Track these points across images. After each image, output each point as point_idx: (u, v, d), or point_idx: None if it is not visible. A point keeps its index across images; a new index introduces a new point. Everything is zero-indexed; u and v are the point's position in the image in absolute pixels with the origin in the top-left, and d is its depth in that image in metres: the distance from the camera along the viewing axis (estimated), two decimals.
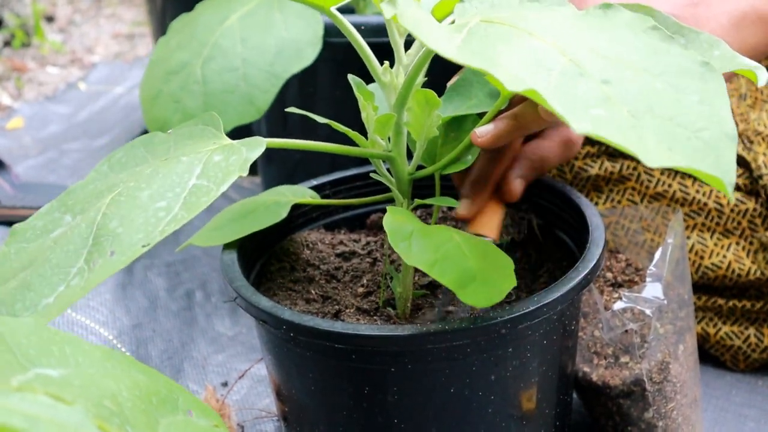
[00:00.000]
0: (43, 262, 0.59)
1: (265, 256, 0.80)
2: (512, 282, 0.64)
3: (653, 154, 0.48)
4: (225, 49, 0.89)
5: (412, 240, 0.63)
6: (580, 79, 0.51)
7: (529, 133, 0.72)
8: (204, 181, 0.60)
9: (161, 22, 1.45)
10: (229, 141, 0.64)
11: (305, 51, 0.91)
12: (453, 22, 0.58)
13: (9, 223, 1.21)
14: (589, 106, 0.50)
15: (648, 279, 0.80)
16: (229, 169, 0.60)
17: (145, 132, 1.51)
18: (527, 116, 0.69)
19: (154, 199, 0.59)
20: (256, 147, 0.62)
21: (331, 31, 0.94)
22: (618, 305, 0.78)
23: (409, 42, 0.69)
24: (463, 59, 0.51)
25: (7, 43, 2.01)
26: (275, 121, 1.09)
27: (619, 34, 0.56)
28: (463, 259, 0.63)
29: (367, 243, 0.82)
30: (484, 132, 0.69)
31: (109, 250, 0.57)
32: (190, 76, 0.89)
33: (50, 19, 2.17)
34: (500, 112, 0.71)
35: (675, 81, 0.53)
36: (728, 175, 0.48)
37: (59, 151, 1.51)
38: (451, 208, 0.84)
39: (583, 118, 0.49)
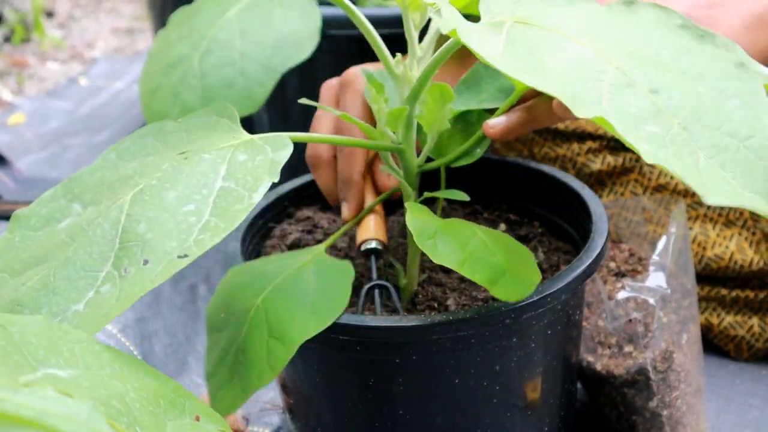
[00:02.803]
0: (65, 262, 0.56)
1: (269, 248, 0.80)
2: (538, 275, 0.64)
3: (710, 185, 0.48)
4: (223, 43, 0.89)
5: (437, 238, 0.63)
6: (629, 90, 0.52)
7: (540, 127, 0.72)
8: (232, 184, 0.57)
9: (161, 16, 1.45)
10: (249, 136, 0.61)
11: (304, 44, 0.90)
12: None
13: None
14: (644, 122, 0.50)
15: (651, 268, 0.80)
16: (257, 173, 0.57)
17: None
18: (540, 110, 0.69)
19: (182, 201, 0.56)
20: (282, 147, 0.59)
21: (332, 24, 0.94)
22: (621, 295, 0.78)
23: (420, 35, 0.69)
24: (515, 74, 0.51)
25: (7, 39, 2.01)
26: (277, 114, 1.09)
27: (649, 33, 0.56)
28: (491, 255, 0.63)
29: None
30: (495, 123, 0.70)
31: (141, 258, 0.54)
32: (189, 70, 0.89)
33: (50, 14, 2.17)
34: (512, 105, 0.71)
35: (714, 84, 0.53)
36: None
37: (61, 146, 1.51)
38: (452, 201, 0.84)
39: (640, 137, 0.49)
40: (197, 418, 0.50)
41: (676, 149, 0.49)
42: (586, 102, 0.51)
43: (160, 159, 0.61)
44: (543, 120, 0.70)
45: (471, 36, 0.54)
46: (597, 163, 0.96)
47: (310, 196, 0.85)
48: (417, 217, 0.64)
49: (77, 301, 0.54)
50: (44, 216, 0.60)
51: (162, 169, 0.59)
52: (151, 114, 0.91)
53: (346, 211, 0.77)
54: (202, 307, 1.07)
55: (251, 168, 0.58)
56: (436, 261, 0.62)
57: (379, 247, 0.75)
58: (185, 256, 0.54)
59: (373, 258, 0.75)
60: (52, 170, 1.43)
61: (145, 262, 0.54)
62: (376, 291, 0.72)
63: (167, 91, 0.90)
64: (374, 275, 0.73)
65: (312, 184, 0.84)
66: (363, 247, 0.75)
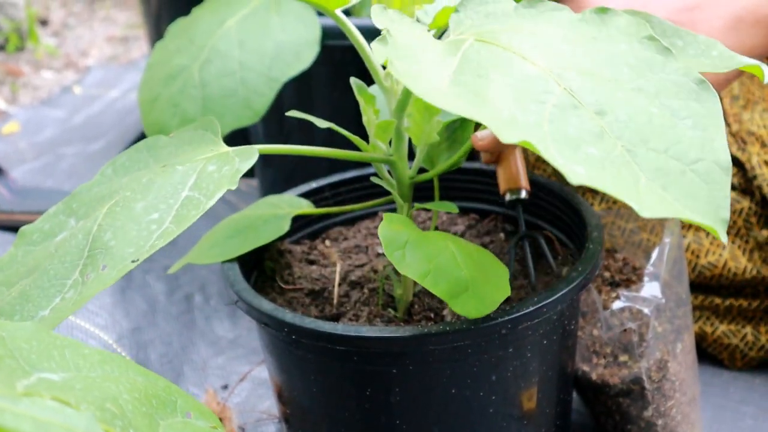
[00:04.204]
0: (43, 272, 0.59)
1: (264, 259, 0.80)
2: (506, 292, 0.64)
3: (647, 201, 0.47)
4: (223, 53, 0.90)
5: (406, 249, 0.63)
6: (573, 112, 0.50)
7: None
8: (195, 193, 0.59)
9: (156, 24, 1.45)
10: (225, 148, 0.63)
11: (302, 54, 0.91)
12: (441, 34, 0.58)
13: (7, 228, 1.21)
14: (583, 143, 0.49)
15: (646, 278, 0.80)
16: (220, 182, 0.60)
17: (142, 135, 1.52)
18: None
19: (148, 210, 0.59)
20: (248, 157, 0.61)
21: (328, 34, 0.95)
22: (616, 304, 0.79)
23: None
24: (451, 106, 0.49)
25: (1, 47, 2.01)
26: (272, 124, 1.09)
27: (613, 47, 0.55)
28: (456, 270, 0.63)
29: (367, 245, 0.82)
30: (484, 136, 0.71)
31: (101, 264, 0.57)
32: (189, 80, 0.89)
33: (44, 22, 2.17)
34: None
35: (670, 102, 0.52)
36: (721, 212, 0.48)
37: (55, 155, 1.51)
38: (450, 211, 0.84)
39: (576, 160, 0.47)
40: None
41: (615, 171, 0.48)
42: (522, 126, 0.49)
43: (146, 173, 0.63)
44: None
45: (408, 71, 0.51)
46: None
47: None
48: (391, 228, 0.64)
49: (45, 308, 0.57)
50: (46, 231, 0.63)
51: (140, 183, 0.61)
52: (150, 124, 0.91)
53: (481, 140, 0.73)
54: (198, 317, 1.07)
55: (217, 178, 0.60)
56: (402, 272, 0.63)
57: (526, 197, 0.76)
58: (137, 260, 0.57)
59: (519, 208, 0.75)
60: (47, 179, 1.43)
61: (104, 267, 0.57)
62: (526, 242, 0.73)
63: (167, 102, 0.90)
64: (522, 226, 0.74)
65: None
66: (508, 197, 0.76)
